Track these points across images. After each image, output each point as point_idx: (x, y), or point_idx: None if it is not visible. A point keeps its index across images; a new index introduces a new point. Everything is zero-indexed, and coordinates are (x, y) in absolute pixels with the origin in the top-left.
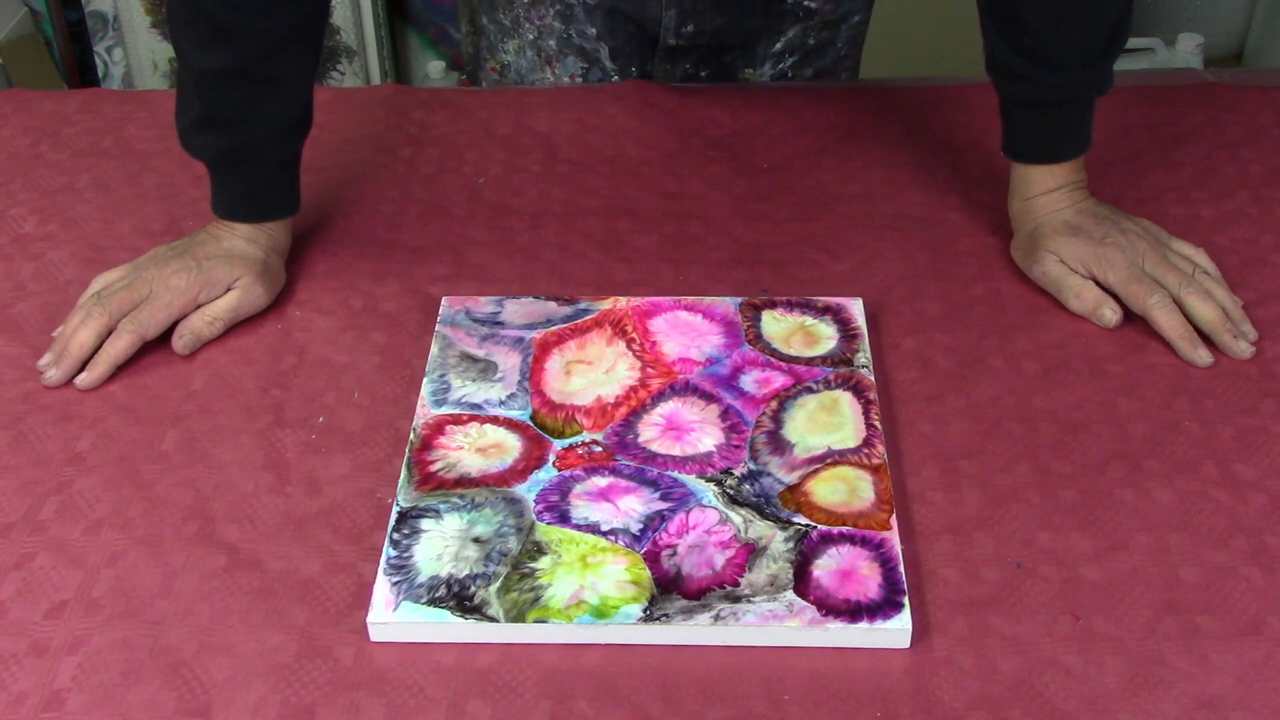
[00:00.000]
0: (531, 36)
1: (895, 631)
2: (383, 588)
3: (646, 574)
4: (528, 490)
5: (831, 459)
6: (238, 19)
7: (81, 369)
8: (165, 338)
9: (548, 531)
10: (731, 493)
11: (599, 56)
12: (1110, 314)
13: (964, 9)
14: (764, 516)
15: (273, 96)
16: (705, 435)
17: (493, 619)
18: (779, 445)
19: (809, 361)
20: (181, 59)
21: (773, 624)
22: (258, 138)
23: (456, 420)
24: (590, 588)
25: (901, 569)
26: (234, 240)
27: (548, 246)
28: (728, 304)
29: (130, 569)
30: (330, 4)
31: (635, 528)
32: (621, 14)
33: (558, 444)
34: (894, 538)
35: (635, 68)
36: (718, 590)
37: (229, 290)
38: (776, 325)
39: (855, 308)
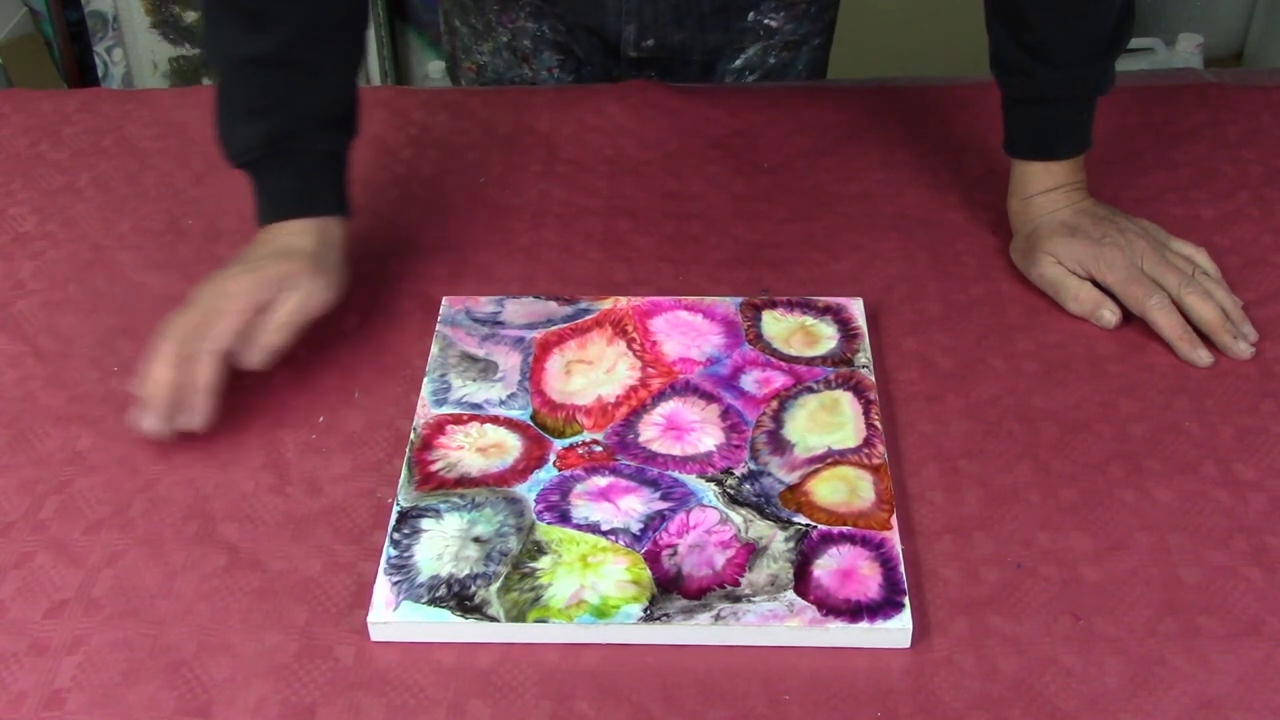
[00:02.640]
0: (506, 39)
1: (895, 631)
2: (383, 587)
3: (647, 574)
4: (528, 490)
5: (832, 459)
6: (279, 5)
7: (175, 407)
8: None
9: (548, 531)
10: (732, 492)
11: (572, 49)
12: (1109, 315)
13: (955, 13)
14: (764, 516)
15: (314, 85)
16: (705, 435)
17: (493, 619)
18: (779, 445)
19: (809, 361)
20: (219, 53)
21: (773, 624)
22: (300, 125)
23: (457, 420)
24: (590, 587)
25: (902, 569)
26: (282, 238)
27: (548, 246)
28: (728, 304)
29: (130, 568)
30: (368, 6)
31: (635, 527)
32: (583, 27)
33: (558, 444)
34: (894, 538)
35: (600, 76)
36: (718, 590)
37: (287, 290)
38: (777, 325)
39: (855, 308)
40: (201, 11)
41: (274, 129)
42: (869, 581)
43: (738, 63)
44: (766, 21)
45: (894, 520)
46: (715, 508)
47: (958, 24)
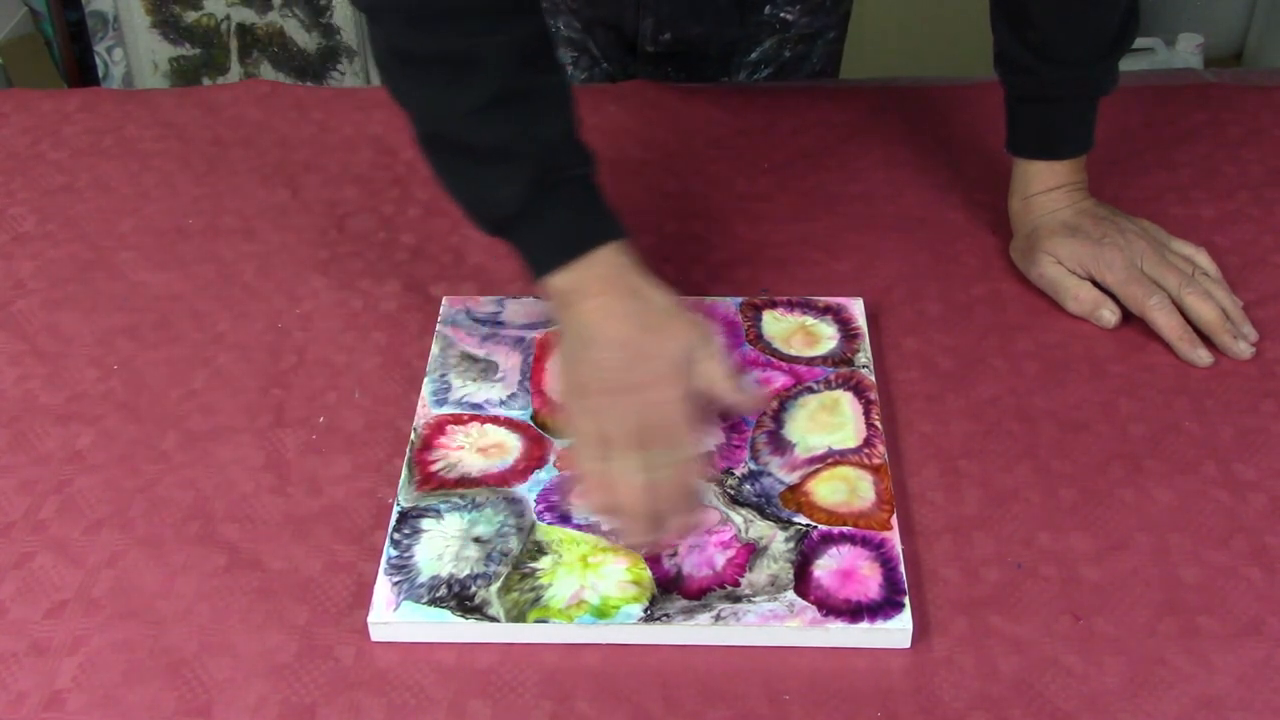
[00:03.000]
0: None
1: (895, 631)
2: (383, 587)
3: (647, 574)
4: (528, 490)
5: (832, 459)
6: (479, 42)
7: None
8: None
9: (548, 531)
10: (732, 492)
11: (587, 45)
12: (1109, 315)
13: (964, 10)
14: (765, 516)
15: (548, 106)
16: (705, 435)
17: (493, 619)
18: (780, 445)
19: (809, 361)
20: (437, 119)
21: (773, 624)
22: (558, 152)
23: (457, 420)
24: (591, 587)
25: (902, 569)
26: (622, 302)
27: None
28: (728, 304)
29: (131, 569)
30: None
31: None
32: (601, 23)
33: (558, 444)
34: (894, 538)
35: (616, 72)
36: (718, 590)
37: (698, 355)
38: (777, 325)
39: (856, 307)
40: (393, 88)
41: (538, 163)
42: (869, 581)
43: (753, 55)
44: (782, 15)
45: (894, 520)
46: (715, 508)
47: (967, 21)
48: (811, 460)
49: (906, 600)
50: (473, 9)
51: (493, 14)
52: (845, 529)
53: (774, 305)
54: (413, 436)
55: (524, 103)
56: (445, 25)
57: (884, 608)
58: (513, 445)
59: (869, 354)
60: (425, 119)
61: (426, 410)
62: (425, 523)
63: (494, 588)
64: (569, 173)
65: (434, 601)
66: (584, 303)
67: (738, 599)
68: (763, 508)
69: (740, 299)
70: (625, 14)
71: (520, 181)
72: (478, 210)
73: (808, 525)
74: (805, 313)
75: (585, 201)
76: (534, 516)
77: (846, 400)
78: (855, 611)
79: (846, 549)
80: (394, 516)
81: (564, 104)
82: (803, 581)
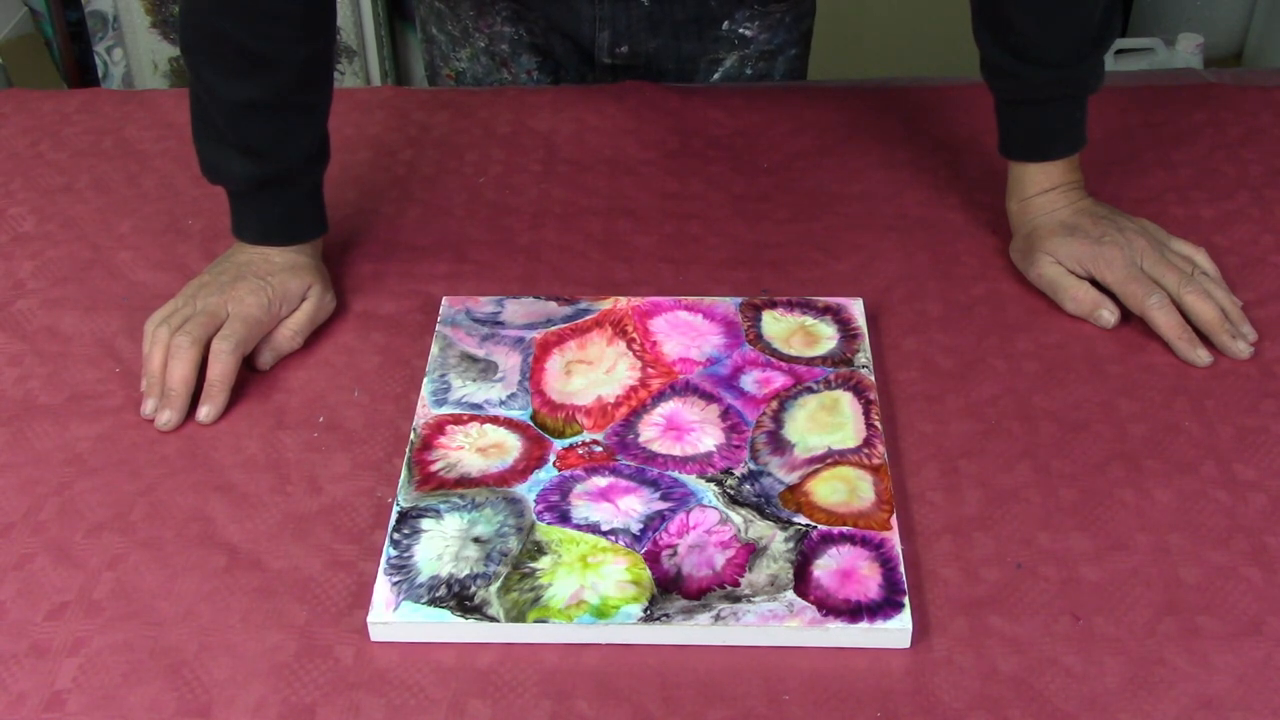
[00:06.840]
0: (483, 44)
1: (895, 631)
2: (383, 587)
3: (647, 574)
4: (528, 490)
5: (832, 459)
6: (269, 49)
7: (189, 402)
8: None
9: (548, 531)
10: (732, 493)
11: (551, 50)
12: (1108, 315)
13: (945, 19)
14: (764, 516)
15: (304, 124)
16: (705, 435)
17: (493, 619)
18: (779, 445)
19: (809, 361)
20: (207, 90)
21: (773, 624)
22: (291, 165)
23: (457, 420)
24: (590, 588)
25: (901, 569)
26: (286, 254)
27: (548, 246)
28: (728, 304)
29: (131, 570)
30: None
31: (635, 528)
32: (558, 31)
33: (558, 444)
34: (894, 538)
35: (576, 82)
36: (718, 590)
37: (303, 301)
38: (777, 325)
39: (855, 308)
40: (185, 49)
41: (267, 171)
42: (869, 581)
43: (716, 76)
44: (741, 31)
45: (894, 520)
46: (715, 508)
47: (947, 31)
48: (811, 460)
49: (906, 600)
50: (287, 14)
51: (300, 25)
52: (845, 529)
53: (774, 305)
54: (412, 436)
55: (286, 114)
56: (257, 22)
57: (884, 608)
58: (512, 445)
59: (869, 354)
60: (201, 83)
61: (426, 410)
62: (425, 523)
63: (494, 588)
64: (294, 179)
65: (434, 601)
66: (236, 256)
67: (737, 599)
68: (762, 508)
69: (740, 299)
70: (582, 26)
71: (250, 172)
72: (204, 163)
73: (807, 525)
74: (805, 313)
75: (299, 206)
76: (533, 516)
77: (846, 400)
78: (855, 611)
79: (846, 549)
80: (394, 516)
81: (318, 121)
82: (802, 581)
